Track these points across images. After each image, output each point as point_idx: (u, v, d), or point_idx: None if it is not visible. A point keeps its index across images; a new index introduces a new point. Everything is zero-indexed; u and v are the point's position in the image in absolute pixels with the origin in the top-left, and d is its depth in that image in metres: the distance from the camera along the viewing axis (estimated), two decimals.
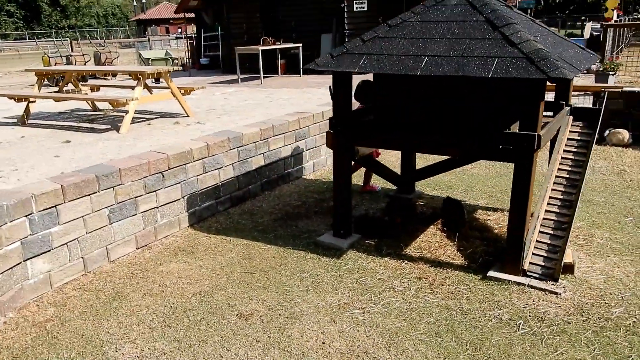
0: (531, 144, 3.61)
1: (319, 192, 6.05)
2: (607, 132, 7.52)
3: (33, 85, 9.26)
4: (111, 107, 8.34)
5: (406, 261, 4.25)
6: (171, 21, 49.14)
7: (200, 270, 4.26)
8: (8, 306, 3.69)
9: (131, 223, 4.55)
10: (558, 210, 4.11)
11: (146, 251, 4.66)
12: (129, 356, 3.22)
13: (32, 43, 45.83)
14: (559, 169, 4.32)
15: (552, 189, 4.23)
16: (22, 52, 39.96)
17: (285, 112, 7.24)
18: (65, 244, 4.05)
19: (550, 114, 4.60)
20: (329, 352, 3.18)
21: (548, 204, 4.16)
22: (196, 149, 5.05)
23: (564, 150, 4.41)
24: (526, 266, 3.89)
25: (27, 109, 7.44)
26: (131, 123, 6.74)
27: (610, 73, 10.32)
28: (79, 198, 4.09)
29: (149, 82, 8.08)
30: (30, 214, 3.78)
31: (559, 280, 3.81)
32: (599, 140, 7.32)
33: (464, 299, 3.69)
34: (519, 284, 3.83)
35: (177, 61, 17.53)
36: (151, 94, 8.15)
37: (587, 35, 19.53)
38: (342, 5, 13.21)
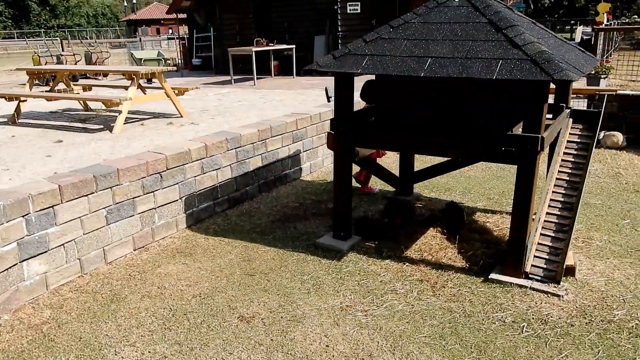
0: (534, 146, 3.60)
1: (316, 193, 6.02)
2: (602, 134, 7.57)
3: (23, 84, 9.16)
4: (104, 107, 8.25)
5: (407, 263, 4.23)
6: (162, 22, 48.90)
7: (199, 272, 4.20)
8: (3, 308, 3.62)
9: (129, 224, 4.49)
10: (559, 213, 4.11)
11: (143, 253, 4.60)
12: None
13: (21, 42, 45.36)
14: (559, 172, 4.32)
15: (553, 192, 4.23)
16: (10, 52, 39.57)
17: (280, 113, 7.21)
18: (62, 245, 3.98)
19: (550, 116, 4.61)
20: (333, 356, 3.15)
21: (549, 206, 4.16)
22: (194, 149, 5.00)
23: (564, 153, 4.42)
24: (528, 268, 3.89)
25: (17, 108, 7.33)
26: (124, 123, 6.66)
27: (602, 76, 10.39)
28: (76, 198, 4.02)
29: (142, 82, 8.01)
30: (27, 214, 3.71)
31: (561, 283, 3.81)
32: None
33: (466, 302, 3.68)
34: (521, 286, 3.82)
35: (169, 62, 17.42)
36: (145, 94, 8.07)
37: (578, 39, 19.66)
38: (336, 7, 13.19)
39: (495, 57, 3.56)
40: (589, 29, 18.03)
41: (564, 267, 3.83)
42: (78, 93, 8.44)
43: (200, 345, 3.27)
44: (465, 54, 3.66)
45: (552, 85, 3.93)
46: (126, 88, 7.16)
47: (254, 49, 12.05)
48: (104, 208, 4.26)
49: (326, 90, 8.13)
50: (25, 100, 7.45)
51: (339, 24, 13.28)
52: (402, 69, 3.75)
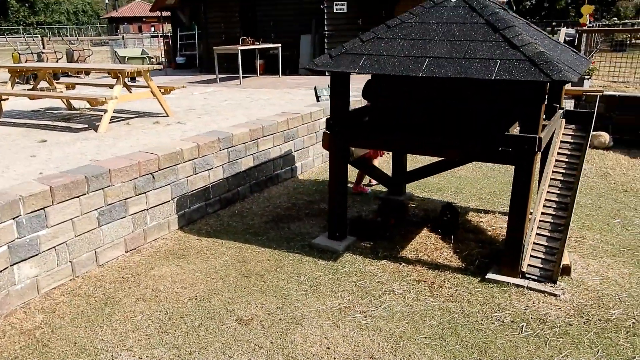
0: (532, 146, 3.61)
1: (308, 193, 5.98)
2: None
3: (4, 82, 8.96)
4: (87, 106, 8.09)
5: (403, 264, 4.22)
6: (144, 19, 48.38)
7: (194, 274, 4.14)
8: None
9: (120, 226, 4.40)
10: (554, 213, 4.14)
11: (135, 255, 4.51)
12: None
13: (0, 39, 44.46)
14: (553, 172, 4.34)
15: (548, 192, 4.25)
16: None
17: (267, 112, 7.17)
18: (54, 247, 3.89)
19: (543, 116, 4.63)
20: (335, 358, 3.12)
21: (544, 206, 4.18)
22: (187, 149, 4.93)
23: (558, 153, 4.45)
24: (524, 268, 3.90)
25: None
26: (109, 122, 6.56)
27: (586, 77, 10.53)
28: (67, 200, 3.93)
29: (126, 80, 7.89)
30: (18, 216, 3.62)
31: (557, 282, 3.83)
32: None
33: (464, 302, 3.68)
34: (518, 286, 3.84)
35: (153, 60, 17.22)
36: (130, 92, 7.95)
37: (561, 40, 19.90)
38: (322, 7, 13.16)
39: (494, 57, 3.56)
40: (572, 31, 18.25)
41: (560, 266, 3.85)
42: (61, 91, 8.28)
43: (199, 349, 3.22)
44: (463, 54, 3.66)
45: None
46: (111, 87, 7.05)
47: (240, 47, 11.97)
48: (95, 209, 4.17)
49: (315, 89, 8.12)
50: (7, 99, 7.30)
51: (325, 23, 13.25)
52: (400, 68, 3.73)
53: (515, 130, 4.12)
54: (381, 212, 5.14)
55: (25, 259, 3.71)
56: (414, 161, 6.31)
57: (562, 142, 4.51)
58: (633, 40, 21.66)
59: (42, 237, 3.80)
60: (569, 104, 8.55)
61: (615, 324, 3.40)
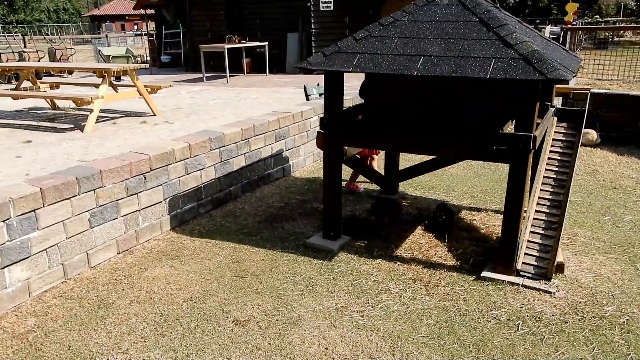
0: (527, 144, 3.63)
1: (300, 193, 5.96)
2: None
3: None
4: (72, 106, 7.98)
5: (398, 262, 4.22)
6: (127, 17, 47.91)
7: (188, 275, 4.10)
8: None
9: (112, 227, 4.35)
10: (548, 211, 4.16)
11: (128, 256, 4.46)
12: None
13: None
14: (546, 170, 4.37)
15: (541, 189, 4.28)
16: None
17: (256, 111, 7.13)
18: (45, 249, 3.82)
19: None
20: (333, 358, 3.10)
21: (538, 204, 4.21)
22: (178, 149, 4.88)
23: (550, 151, 4.48)
24: (519, 266, 3.92)
25: None
26: (96, 122, 6.47)
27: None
28: (59, 202, 3.86)
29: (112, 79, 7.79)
30: (8, 219, 3.55)
31: (552, 280, 3.85)
32: None
33: (460, 300, 3.69)
34: (513, 283, 3.85)
35: (138, 58, 17.04)
36: (116, 92, 7.85)
37: None
38: (309, 4, 13.13)
39: (488, 56, 3.57)
40: (556, 29, 18.44)
41: (555, 264, 3.88)
42: (45, 91, 8.15)
43: (196, 351, 3.19)
44: (457, 52, 3.66)
45: None
46: (95, 86, 6.94)
47: (227, 45, 11.90)
48: (87, 211, 4.11)
49: (305, 88, 8.09)
50: None
51: (312, 21, 13.23)
52: (394, 67, 3.73)
53: (509, 128, 4.13)
54: (375, 211, 5.14)
55: (16, 262, 3.64)
56: (406, 159, 6.32)
57: (554, 140, 4.54)
58: (615, 38, 21.96)
59: (33, 239, 3.73)
60: (556, 102, 8.62)
61: (609, 321, 3.43)
